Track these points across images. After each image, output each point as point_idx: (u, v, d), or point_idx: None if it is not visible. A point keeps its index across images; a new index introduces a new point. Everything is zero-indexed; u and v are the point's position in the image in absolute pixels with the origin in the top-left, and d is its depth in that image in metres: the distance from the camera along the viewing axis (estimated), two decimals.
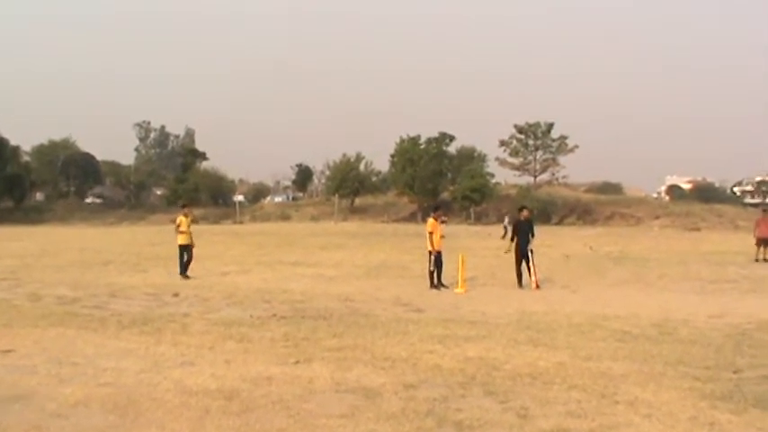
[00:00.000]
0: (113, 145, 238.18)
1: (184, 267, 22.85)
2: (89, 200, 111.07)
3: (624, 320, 14.35)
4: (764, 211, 34.03)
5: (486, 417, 7.63)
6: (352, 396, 8.46)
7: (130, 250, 35.71)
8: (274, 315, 14.90)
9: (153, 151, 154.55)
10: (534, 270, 20.76)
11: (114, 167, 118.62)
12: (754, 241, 31.39)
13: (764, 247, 30.61)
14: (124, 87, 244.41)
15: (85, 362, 10.23)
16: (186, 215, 24.21)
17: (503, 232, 52.45)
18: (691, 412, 7.83)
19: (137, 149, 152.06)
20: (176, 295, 18.14)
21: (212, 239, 45.85)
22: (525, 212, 22.36)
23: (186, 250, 23.13)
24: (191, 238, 23.39)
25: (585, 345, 11.71)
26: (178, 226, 23.67)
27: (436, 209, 23.01)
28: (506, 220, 55.24)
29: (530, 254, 20.89)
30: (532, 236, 21.27)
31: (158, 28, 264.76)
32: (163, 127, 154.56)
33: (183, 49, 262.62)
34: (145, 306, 16.33)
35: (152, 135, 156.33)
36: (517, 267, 20.92)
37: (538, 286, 20.44)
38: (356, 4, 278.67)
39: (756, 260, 30.03)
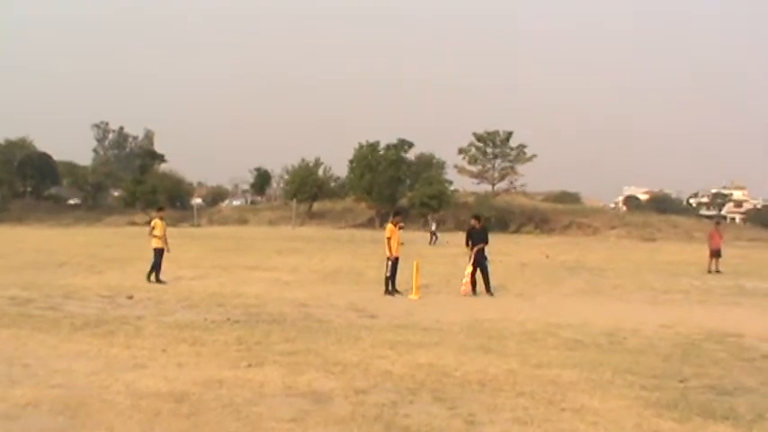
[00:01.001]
0: (71, 146, 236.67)
1: (155, 271, 22.62)
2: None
3: (576, 329, 14.47)
4: (717, 223, 34.55)
5: (433, 423, 7.68)
6: (302, 400, 8.47)
7: (86, 252, 35.35)
8: (228, 319, 14.87)
9: (111, 152, 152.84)
10: (485, 277, 20.94)
11: (71, 168, 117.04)
12: (707, 253, 31.81)
13: (716, 258, 31.04)
14: (82, 87, 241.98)
15: (37, 363, 10.14)
16: (162, 218, 24.02)
17: (431, 239, 52.92)
18: (636, 420, 7.93)
19: (95, 150, 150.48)
20: (131, 298, 18.02)
21: (169, 242, 45.61)
22: (475, 221, 22.50)
23: (160, 254, 22.89)
24: (165, 243, 23.17)
25: (536, 352, 11.81)
26: (153, 229, 23.51)
27: (396, 215, 23.11)
28: (433, 225, 56.68)
29: (483, 261, 21.05)
30: (485, 243, 21.42)
31: (119, 28, 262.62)
32: (121, 128, 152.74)
33: (144, 50, 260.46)
34: (99, 308, 16.21)
35: (110, 136, 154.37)
36: (472, 275, 21.04)
37: (474, 292, 20.71)
38: (316, 8, 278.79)
39: (709, 271, 30.43)
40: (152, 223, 24.12)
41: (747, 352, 12.47)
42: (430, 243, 51.28)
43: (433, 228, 55.90)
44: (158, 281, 22.24)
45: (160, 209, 26.30)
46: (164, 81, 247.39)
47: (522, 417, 7.96)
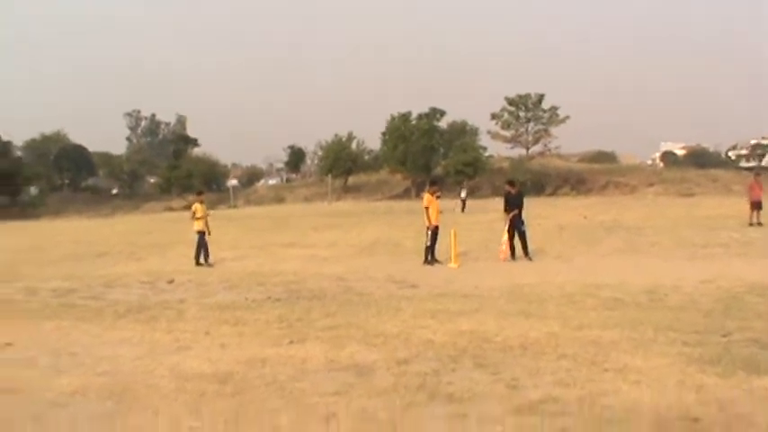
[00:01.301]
0: (105, 136, 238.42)
1: (203, 254, 22.84)
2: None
3: (615, 289, 14.44)
4: (757, 174, 33.95)
5: (476, 389, 7.72)
6: (344, 374, 8.54)
7: (125, 240, 35.53)
8: (269, 297, 15.00)
9: (144, 140, 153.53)
10: (523, 242, 20.99)
11: (106, 158, 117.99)
12: (747, 205, 31.42)
13: (758, 210, 30.64)
14: (112, 77, 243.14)
15: (83, 352, 10.27)
16: (202, 202, 24.22)
17: (460, 206, 52.03)
18: (679, 377, 7.92)
19: (128, 139, 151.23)
20: (171, 282, 18.19)
21: (209, 225, 45.90)
22: (510, 186, 22.49)
23: (203, 237, 23.02)
24: (206, 225, 23.32)
25: (576, 314, 11.81)
26: (194, 213, 23.65)
27: (432, 184, 23.09)
28: (463, 193, 54.91)
29: (521, 226, 21.05)
30: (521, 208, 21.43)
31: (142, 17, 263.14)
32: (153, 115, 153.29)
33: (171, 37, 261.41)
34: (140, 294, 16.36)
35: (143, 124, 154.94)
36: (510, 239, 21.05)
37: (513, 257, 20.86)
38: None
39: (750, 224, 30.02)
40: (192, 207, 24.31)
41: None
42: (462, 210, 50.76)
43: (463, 195, 54.55)
44: (206, 262, 22.51)
45: (199, 192, 26.53)
46: (193, 67, 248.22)
47: (565, 379, 7.98)
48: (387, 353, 9.44)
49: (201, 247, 22.86)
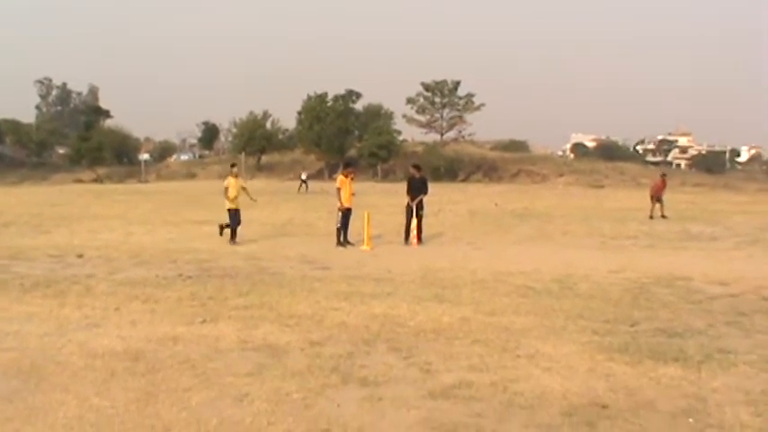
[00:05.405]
0: (13, 103, 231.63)
1: (233, 232, 21.58)
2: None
3: (527, 276, 14.62)
4: (663, 175, 34.89)
5: (390, 372, 7.73)
6: (258, 354, 8.46)
7: (32, 211, 34.57)
8: (181, 275, 14.71)
9: (54, 109, 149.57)
10: (419, 227, 21.18)
11: (14, 126, 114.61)
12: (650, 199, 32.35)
13: (661, 204, 31.37)
14: (24, 44, 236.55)
15: None
16: (236, 176, 22.60)
17: (302, 187, 55.62)
18: (589, 364, 8.05)
19: (38, 107, 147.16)
20: (81, 256, 17.69)
21: (117, 199, 45.18)
22: (415, 170, 22.59)
23: (236, 215, 21.74)
24: (235, 200, 21.83)
25: (489, 300, 11.91)
26: (226, 189, 22.04)
27: (346, 165, 23.04)
28: (303, 175, 60.01)
29: (419, 210, 21.20)
30: (425, 193, 21.54)
31: None
32: (65, 84, 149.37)
33: (87, 5, 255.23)
34: (48, 268, 15.83)
35: (54, 92, 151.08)
36: (407, 223, 21.25)
37: (420, 242, 21.06)
38: None
39: (651, 217, 30.81)
40: (225, 182, 22.53)
41: (695, 295, 12.68)
42: (306, 191, 54.51)
43: (304, 177, 58.59)
44: (233, 242, 21.26)
45: (233, 165, 24.13)
46: (107, 34, 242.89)
47: (478, 364, 8.03)
48: (300, 334, 9.37)
49: (234, 224, 21.67)
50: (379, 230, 22.72)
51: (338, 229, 20.69)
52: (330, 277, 14.49)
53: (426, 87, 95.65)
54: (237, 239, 21.49)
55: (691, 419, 6.45)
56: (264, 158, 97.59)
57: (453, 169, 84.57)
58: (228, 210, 21.80)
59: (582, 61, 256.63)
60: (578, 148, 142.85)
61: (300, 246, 20.20)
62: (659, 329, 9.82)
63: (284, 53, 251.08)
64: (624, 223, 28.42)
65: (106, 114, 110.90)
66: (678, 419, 6.46)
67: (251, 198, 22.64)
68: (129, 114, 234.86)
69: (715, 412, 6.62)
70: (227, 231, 21.84)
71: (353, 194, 21.49)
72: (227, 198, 21.88)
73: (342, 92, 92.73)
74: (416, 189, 21.48)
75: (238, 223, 21.83)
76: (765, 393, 7.16)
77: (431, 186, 22.46)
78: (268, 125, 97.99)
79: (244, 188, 22.38)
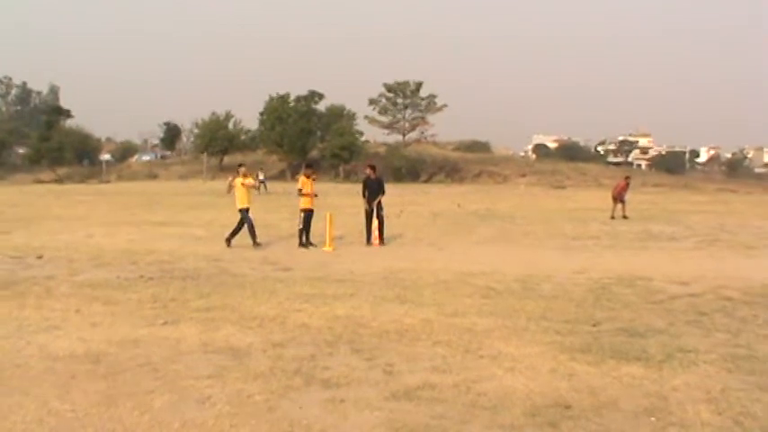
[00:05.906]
0: None
1: (252, 235, 20.56)
2: None
3: (490, 277, 14.64)
4: (627, 177, 35.04)
5: (352, 374, 7.71)
6: (219, 356, 8.41)
7: None
8: (141, 276, 14.59)
9: (14, 108, 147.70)
10: (381, 227, 21.23)
11: None
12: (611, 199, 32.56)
13: (622, 204, 31.59)
14: None
15: None
16: (246, 175, 21.72)
17: (260, 188, 54.23)
18: (551, 365, 8.08)
19: None
20: (40, 257, 17.48)
21: (78, 199, 44.70)
22: (371, 170, 22.52)
23: (246, 213, 20.82)
24: (237, 198, 21.12)
25: (451, 301, 11.92)
26: (231, 187, 21.52)
27: (308, 166, 22.92)
28: (261, 176, 58.87)
29: (380, 211, 21.19)
30: (382, 193, 21.63)
31: None
32: (25, 83, 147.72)
33: (50, 4, 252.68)
34: (7, 269, 15.64)
35: (13, 92, 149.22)
36: (367, 224, 21.30)
37: (382, 242, 21.07)
38: None
39: (612, 217, 31.00)
40: (232, 180, 21.83)
41: (656, 294, 12.80)
42: (265, 190, 54.64)
43: (261, 177, 57.61)
44: (256, 244, 20.36)
45: (240, 165, 23.10)
46: (68, 34, 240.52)
47: (441, 365, 8.04)
48: (262, 336, 9.33)
49: (249, 224, 20.70)
50: (342, 231, 22.69)
51: (300, 231, 20.59)
52: (292, 278, 14.43)
53: (389, 88, 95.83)
54: (233, 242, 20.64)
55: (653, 418, 6.51)
56: (227, 159, 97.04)
57: (415, 170, 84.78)
58: (240, 210, 20.92)
59: (543, 62, 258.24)
60: (540, 149, 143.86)
61: (262, 247, 20.06)
62: (621, 329, 9.90)
63: (247, 54, 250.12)
64: (586, 224, 28.60)
65: (67, 114, 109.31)
66: (640, 418, 6.51)
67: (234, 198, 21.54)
68: (90, 114, 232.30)
69: (676, 411, 6.68)
70: (235, 238, 20.82)
71: (315, 195, 21.37)
72: (237, 198, 21.13)
73: (304, 93, 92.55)
74: (373, 190, 21.46)
75: (242, 225, 20.88)
76: (725, 391, 7.24)
77: (393, 187, 22.46)
78: (230, 126, 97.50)
79: (244, 184, 21.40)
